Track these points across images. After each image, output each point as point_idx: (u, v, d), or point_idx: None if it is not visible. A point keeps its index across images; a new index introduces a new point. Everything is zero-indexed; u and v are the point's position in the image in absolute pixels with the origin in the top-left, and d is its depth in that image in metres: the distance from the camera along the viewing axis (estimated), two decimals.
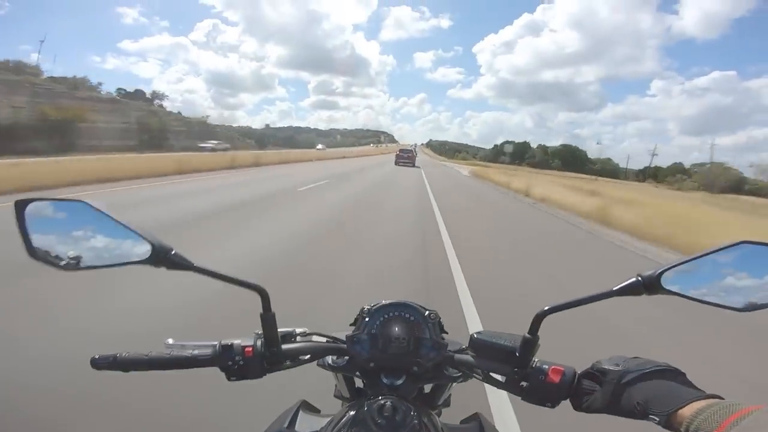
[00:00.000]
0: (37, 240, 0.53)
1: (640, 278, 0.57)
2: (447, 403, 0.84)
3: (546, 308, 0.61)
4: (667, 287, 0.56)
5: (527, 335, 0.63)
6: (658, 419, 0.51)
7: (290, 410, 0.76)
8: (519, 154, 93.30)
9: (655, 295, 0.57)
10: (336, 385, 0.86)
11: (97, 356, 0.60)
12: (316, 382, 1.01)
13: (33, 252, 0.53)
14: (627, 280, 0.58)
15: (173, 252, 0.58)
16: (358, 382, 0.79)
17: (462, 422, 0.80)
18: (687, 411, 0.48)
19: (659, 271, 0.56)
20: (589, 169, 78.10)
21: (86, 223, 0.55)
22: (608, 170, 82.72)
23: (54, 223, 0.55)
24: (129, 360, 0.61)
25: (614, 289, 0.58)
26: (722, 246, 0.55)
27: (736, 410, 0.44)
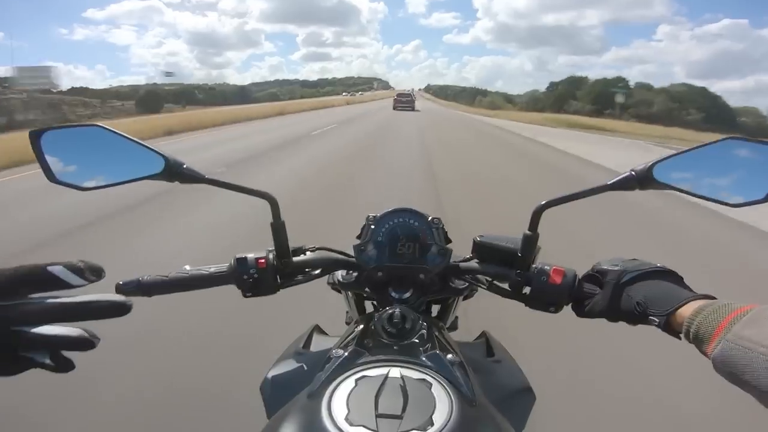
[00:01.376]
0: (56, 166, 0.56)
1: (633, 173, 0.59)
2: (454, 326, 0.87)
3: (543, 203, 0.63)
4: (660, 180, 0.58)
5: (527, 232, 0.65)
6: (657, 320, 0.52)
7: (304, 334, 0.79)
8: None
9: (648, 189, 0.58)
10: (347, 312, 0.90)
11: (121, 282, 0.62)
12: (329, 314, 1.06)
13: (53, 177, 0.56)
14: (621, 175, 0.60)
15: (185, 166, 0.61)
16: (369, 307, 0.83)
17: (470, 341, 0.82)
18: (685, 311, 0.50)
19: (650, 164, 0.58)
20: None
21: (102, 144, 0.59)
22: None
23: (70, 149, 0.58)
24: (151, 283, 0.63)
25: (608, 183, 0.60)
26: (712, 142, 0.57)
27: (734, 309, 0.45)
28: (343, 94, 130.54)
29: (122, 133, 0.59)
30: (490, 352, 0.77)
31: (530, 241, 0.65)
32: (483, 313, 1.71)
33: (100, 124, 0.58)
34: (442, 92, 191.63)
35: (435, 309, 0.85)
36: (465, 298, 0.84)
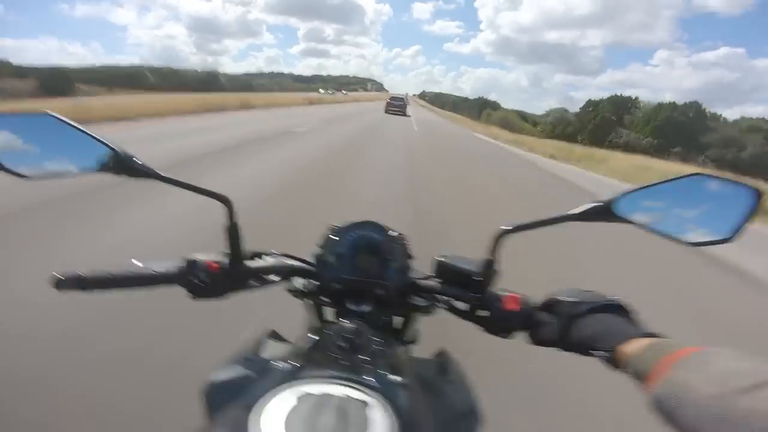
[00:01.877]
0: (1, 152, 0.54)
1: (600, 203, 0.59)
2: (415, 341, 0.86)
3: (504, 228, 0.63)
4: (620, 214, 0.58)
5: (487, 257, 0.65)
6: (603, 354, 0.53)
7: (258, 338, 0.77)
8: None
9: (609, 222, 0.59)
10: (308, 319, 0.88)
11: (61, 276, 0.59)
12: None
13: None
14: (586, 205, 0.60)
15: (135, 159, 0.59)
16: (329, 315, 0.82)
17: (427, 358, 0.81)
18: (629, 348, 0.50)
19: (612, 199, 0.59)
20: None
21: (50, 133, 0.57)
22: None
23: (17, 136, 0.56)
24: (91, 278, 0.60)
25: (574, 212, 0.61)
26: (677, 177, 0.57)
27: (677, 349, 0.45)
28: (320, 91, 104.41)
29: (72, 122, 0.57)
30: (444, 370, 0.76)
31: (488, 266, 0.66)
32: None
33: (51, 112, 0.57)
34: (438, 100, 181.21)
35: (398, 321, 0.84)
36: (424, 315, 0.83)
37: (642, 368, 0.46)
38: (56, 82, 36.85)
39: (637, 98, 51.76)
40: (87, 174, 0.59)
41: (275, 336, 0.80)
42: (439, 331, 1.37)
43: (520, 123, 67.05)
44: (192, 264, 0.65)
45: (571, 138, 42.99)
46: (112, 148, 0.58)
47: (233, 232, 0.66)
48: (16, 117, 0.58)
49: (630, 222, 0.59)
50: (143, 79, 57.99)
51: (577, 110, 61.08)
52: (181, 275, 0.65)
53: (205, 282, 0.65)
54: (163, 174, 0.61)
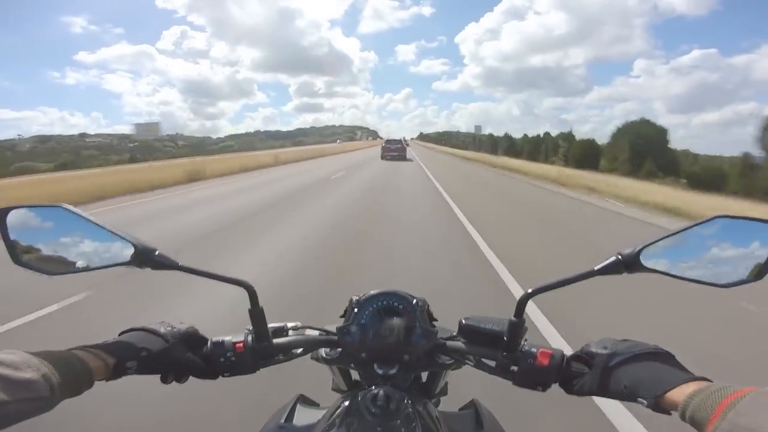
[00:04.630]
0: (21, 247, 0.57)
1: (620, 257, 0.61)
2: (444, 392, 0.88)
3: (529, 291, 0.65)
4: (647, 265, 0.60)
5: (513, 318, 0.67)
6: (646, 402, 0.54)
7: (287, 405, 0.80)
8: None
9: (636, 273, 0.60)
10: (333, 378, 0.90)
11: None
12: (314, 377, 1.07)
13: (19, 260, 0.57)
14: (607, 260, 0.62)
15: (156, 252, 0.62)
16: (355, 374, 0.83)
17: (459, 410, 0.84)
18: (677, 394, 0.51)
19: (638, 249, 0.60)
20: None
21: (68, 227, 0.59)
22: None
23: (36, 230, 0.58)
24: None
25: (595, 269, 0.62)
26: (700, 221, 0.59)
27: (730, 393, 0.45)
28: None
29: (87, 215, 0.59)
30: (479, 423, 0.78)
31: (516, 327, 0.67)
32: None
33: (65, 205, 0.59)
34: (440, 138, 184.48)
35: (425, 374, 0.86)
36: (453, 369, 0.85)
37: (697, 416, 0.47)
38: None
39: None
40: (107, 268, 0.61)
41: (305, 400, 0.83)
42: None
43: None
44: (218, 345, 0.68)
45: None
46: (131, 242, 0.61)
47: (258, 316, 0.69)
48: (33, 210, 0.60)
49: (659, 272, 0.60)
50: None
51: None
52: (208, 356, 0.68)
53: (232, 362, 0.68)
54: (185, 265, 0.63)
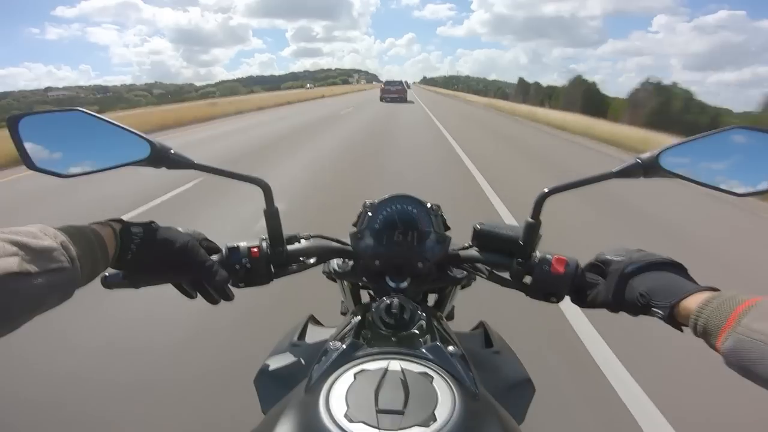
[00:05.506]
0: (35, 152, 0.57)
1: (639, 160, 0.61)
2: (451, 316, 0.90)
3: (546, 190, 0.65)
4: (666, 167, 0.60)
5: (529, 219, 0.67)
6: (661, 312, 0.54)
7: (299, 324, 0.81)
8: None
9: (654, 178, 0.61)
10: (342, 302, 0.92)
11: (107, 274, 0.61)
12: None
13: (32, 164, 0.57)
14: (626, 163, 0.62)
15: (171, 151, 0.62)
16: (364, 297, 0.85)
17: (468, 331, 0.85)
18: (690, 303, 0.52)
19: (657, 153, 0.60)
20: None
21: (83, 130, 0.59)
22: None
23: (51, 135, 0.59)
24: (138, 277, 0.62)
25: (614, 171, 0.63)
26: (718, 130, 0.60)
27: (742, 301, 0.46)
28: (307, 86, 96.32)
29: (104, 117, 0.60)
30: (489, 342, 0.79)
31: (532, 229, 0.67)
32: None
33: (81, 109, 0.59)
34: (448, 83, 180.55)
35: (431, 298, 0.87)
36: (463, 287, 0.87)
37: (710, 323, 0.48)
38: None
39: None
40: (122, 167, 0.61)
41: (315, 321, 0.84)
42: None
43: None
44: (234, 251, 0.68)
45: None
46: (147, 140, 0.61)
47: (273, 216, 0.69)
48: (48, 115, 0.60)
49: (678, 176, 0.61)
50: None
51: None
52: (223, 263, 0.67)
53: (247, 269, 0.68)
54: (199, 163, 0.64)
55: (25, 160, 0.57)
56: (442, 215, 0.76)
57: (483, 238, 0.72)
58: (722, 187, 0.60)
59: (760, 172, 0.59)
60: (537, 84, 72.25)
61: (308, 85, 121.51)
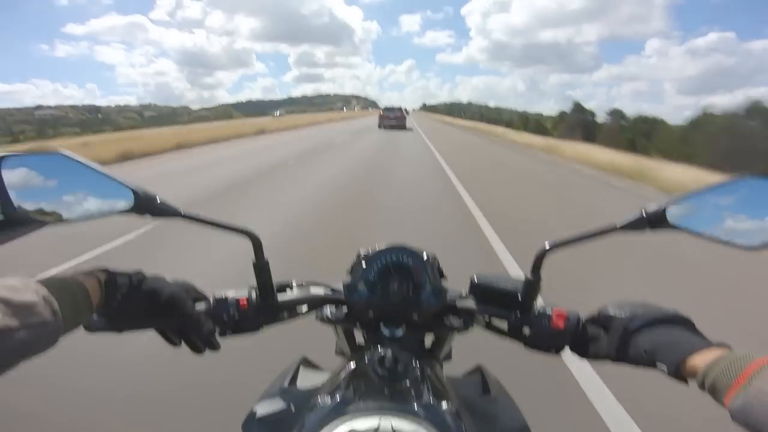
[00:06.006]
0: (16, 196, 0.54)
1: (644, 214, 0.60)
2: (449, 357, 0.88)
3: (547, 246, 0.64)
4: (673, 222, 0.59)
5: (528, 276, 0.66)
6: (666, 368, 0.53)
7: (290, 367, 0.80)
8: None
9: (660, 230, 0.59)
10: (337, 342, 0.90)
11: (93, 316, 0.59)
12: (317, 340, 1.06)
13: (12, 208, 0.54)
14: (631, 216, 0.60)
15: (158, 200, 0.60)
16: (359, 338, 0.83)
17: (465, 376, 0.84)
18: (697, 360, 0.51)
19: (664, 206, 0.59)
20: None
21: (66, 174, 0.57)
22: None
23: (33, 177, 0.56)
24: (122, 321, 0.61)
25: (618, 225, 0.61)
26: (726, 181, 0.58)
27: (753, 360, 0.46)
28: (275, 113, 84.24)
29: (87, 162, 0.58)
30: (486, 388, 0.78)
31: (531, 285, 0.66)
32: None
33: (64, 152, 0.57)
34: (450, 110, 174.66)
35: (428, 338, 0.85)
36: (460, 333, 0.84)
37: (719, 382, 0.47)
38: None
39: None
40: (107, 216, 0.60)
41: (308, 364, 0.83)
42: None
43: None
44: (222, 301, 0.67)
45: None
46: (132, 189, 0.59)
47: (262, 269, 0.68)
48: (29, 157, 0.58)
49: (686, 231, 0.59)
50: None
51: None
52: (209, 313, 0.66)
53: (235, 320, 0.67)
54: (186, 212, 0.62)
55: (4, 203, 0.54)
56: (438, 265, 0.75)
57: (480, 290, 0.72)
58: (731, 241, 0.58)
59: None
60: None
61: (276, 113, 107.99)
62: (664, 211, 0.59)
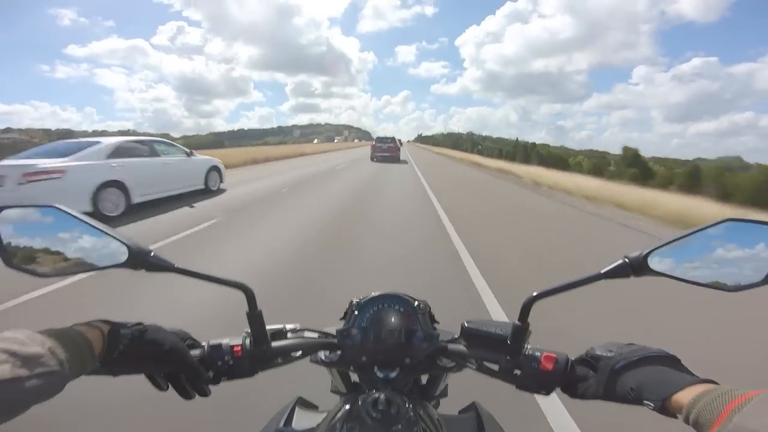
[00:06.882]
0: (12, 249, 0.56)
1: (627, 260, 0.62)
2: (444, 394, 0.89)
3: (534, 294, 0.66)
4: (655, 268, 0.61)
5: (517, 323, 0.68)
6: (652, 405, 0.55)
7: (286, 407, 0.81)
8: None
9: (644, 277, 0.61)
10: (332, 381, 0.90)
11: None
12: (313, 378, 1.06)
13: (9, 261, 0.56)
14: (614, 263, 0.63)
15: (152, 254, 0.62)
16: (354, 376, 0.84)
17: (460, 412, 0.86)
18: (683, 397, 0.52)
19: (645, 253, 0.61)
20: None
21: (61, 227, 0.59)
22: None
23: (28, 229, 0.58)
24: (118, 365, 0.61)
25: (602, 272, 0.63)
26: (707, 225, 0.60)
27: (736, 396, 0.47)
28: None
29: (81, 216, 0.59)
30: (480, 426, 0.79)
31: (520, 332, 0.68)
32: None
33: (58, 206, 0.59)
34: (446, 142, 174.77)
35: (424, 376, 0.87)
36: (454, 372, 0.86)
37: (702, 417, 0.48)
38: None
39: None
40: (101, 270, 0.61)
41: (304, 403, 0.84)
42: None
43: None
44: (216, 348, 0.68)
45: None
46: (126, 243, 0.61)
47: (256, 320, 0.70)
48: (24, 210, 0.59)
49: (667, 276, 0.61)
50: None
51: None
52: (204, 360, 0.68)
53: (230, 366, 0.69)
54: (180, 267, 0.64)
55: (2, 256, 0.56)
56: (429, 311, 0.77)
57: (471, 335, 0.73)
58: (713, 284, 0.60)
59: (753, 264, 0.58)
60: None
61: (315, 141, 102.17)
62: (646, 257, 0.61)
